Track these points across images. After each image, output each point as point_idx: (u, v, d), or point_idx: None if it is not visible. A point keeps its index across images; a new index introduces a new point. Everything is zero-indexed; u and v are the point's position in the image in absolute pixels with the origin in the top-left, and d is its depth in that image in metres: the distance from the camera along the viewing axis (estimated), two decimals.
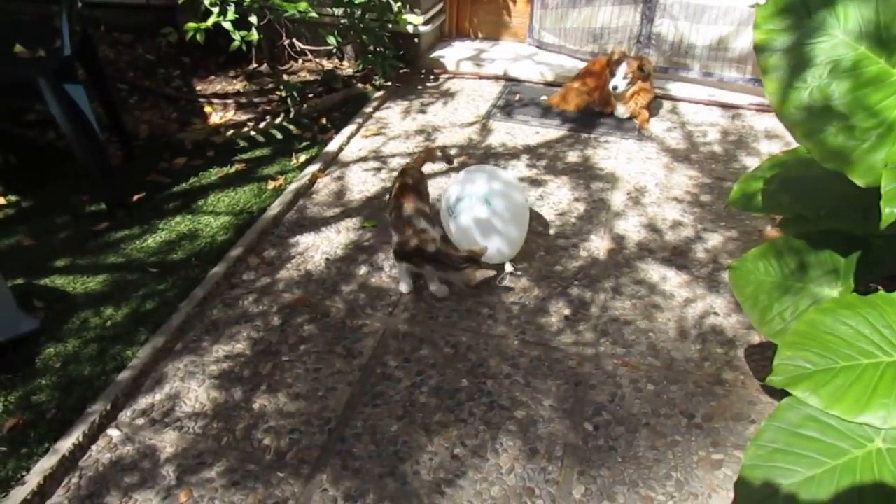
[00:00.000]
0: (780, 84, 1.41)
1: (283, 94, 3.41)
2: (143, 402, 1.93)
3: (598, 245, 2.55)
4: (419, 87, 3.75)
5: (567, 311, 2.25)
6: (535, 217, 2.69)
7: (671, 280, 2.38)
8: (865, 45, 1.37)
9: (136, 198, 2.77)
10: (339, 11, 3.39)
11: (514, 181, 2.54)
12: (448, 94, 3.68)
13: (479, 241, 2.31)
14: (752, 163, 3.09)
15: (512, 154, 3.13)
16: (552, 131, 3.34)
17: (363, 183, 2.91)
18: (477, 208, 2.34)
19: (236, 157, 3.08)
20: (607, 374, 2.02)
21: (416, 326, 2.17)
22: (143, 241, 2.53)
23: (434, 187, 2.69)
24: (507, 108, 3.54)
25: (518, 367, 2.04)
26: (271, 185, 2.86)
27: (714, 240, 2.58)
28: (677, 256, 2.50)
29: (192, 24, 3.11)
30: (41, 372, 1.99)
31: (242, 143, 3.20)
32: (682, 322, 2.21)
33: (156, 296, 2.27)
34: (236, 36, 3.18)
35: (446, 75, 3.89)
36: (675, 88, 3.65)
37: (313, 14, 3.21)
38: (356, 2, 3.33)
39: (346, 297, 2.29)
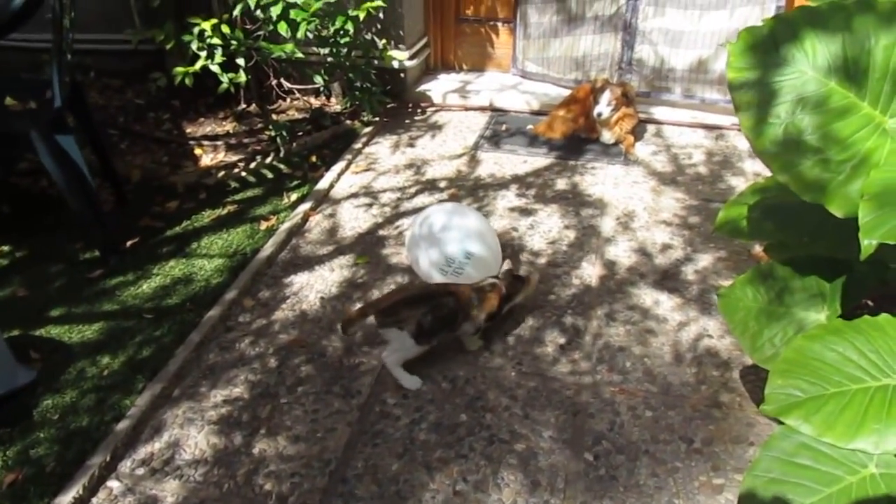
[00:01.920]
0: (754, 120, 1.45)
1: (273, 133, 3.45)
2: (143, 451, 1.93)
3: (589, 272, 2.58)
4: (407, 121, 3.81)
5: (562, 340, 2.27)
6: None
7: (664, 304, 2.41)
8: (835, 80, 1.42)
9: (129, 243, 2.79)
10: (325, 50, 3.45)
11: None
12: (436, 127, 3.73)
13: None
14: (737, 183, 3.14)
15: (501, 184, 3.17)
16: (539, 159, 3.39)
17: (355, 219, 2.94)
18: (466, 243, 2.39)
19: (228, 199, 3.10)
20: (605, 402, 2.04)
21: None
22: (137, 287, 2.54)
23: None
24: (494, 138, 3.59)
25: (516, 399, 2.06)
26: (264, 225, 2.88)
27: (704, 261, 2.61)
28: (668, 280, 2.53)
29: (180, 69, 3.17)
30: (39, 425, 1.99)
31: (234, 185, 3.23)
32: (676, 346, 2.24)
33: (152, 342, 2.28)
34: (224, 78, 3.24)
35: (433, 108, 3.94)
36: (658, 112, 3.72)
37: (300, 54, 3.27)
38: (341, 41, 3.39)
39: (342, 336, 2.30)
